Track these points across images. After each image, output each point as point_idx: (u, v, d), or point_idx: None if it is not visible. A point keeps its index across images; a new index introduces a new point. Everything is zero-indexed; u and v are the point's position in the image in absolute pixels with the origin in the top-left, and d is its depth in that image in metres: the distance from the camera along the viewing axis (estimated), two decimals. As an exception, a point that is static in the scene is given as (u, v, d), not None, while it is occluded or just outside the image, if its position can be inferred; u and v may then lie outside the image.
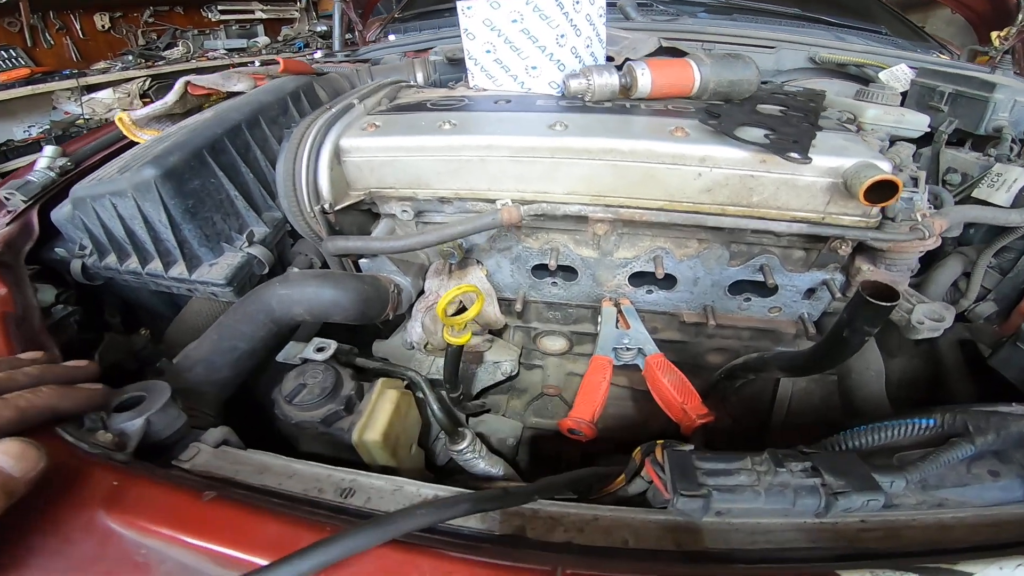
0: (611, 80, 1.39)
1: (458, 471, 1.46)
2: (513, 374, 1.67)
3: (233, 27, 7.08)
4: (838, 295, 1.32)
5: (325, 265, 1.61)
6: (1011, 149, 1.60)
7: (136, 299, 1.71)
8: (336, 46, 3.15)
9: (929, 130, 1.56)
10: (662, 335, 1.60)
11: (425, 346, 1.54)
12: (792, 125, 1.22)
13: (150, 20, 6.61)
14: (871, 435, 0.95)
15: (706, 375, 1.62)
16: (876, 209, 1.19)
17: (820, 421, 1.57)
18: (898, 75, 1.93)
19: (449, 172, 1.25)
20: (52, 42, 5.74)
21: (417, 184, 1.29)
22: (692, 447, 0.84)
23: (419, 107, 1.46)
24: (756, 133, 1.16)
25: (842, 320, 0.95)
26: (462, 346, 1.13)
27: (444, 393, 1.35)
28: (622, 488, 0.93)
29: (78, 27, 5.99)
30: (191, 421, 0.93)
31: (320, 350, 1.15)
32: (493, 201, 1.24)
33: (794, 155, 1.13)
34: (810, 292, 1.41)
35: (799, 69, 2.31)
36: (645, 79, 1.38)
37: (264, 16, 7.33)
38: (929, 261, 1.60)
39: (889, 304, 0.83)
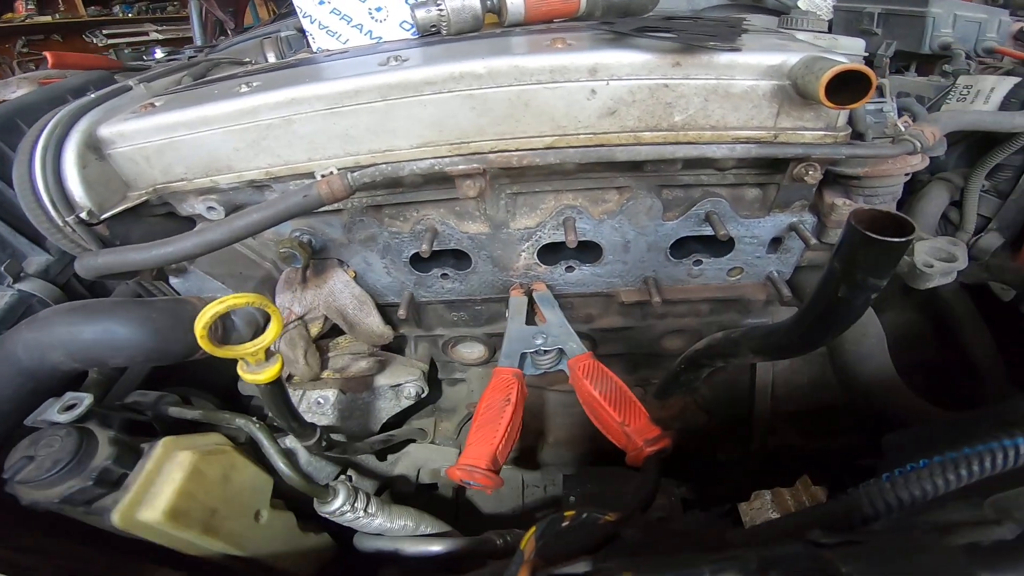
0: (470, 3, 1.07)
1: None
2: (422, 395, 1.34)
3: (125, 51, 6.49)
4: (813, 241, 1.01)
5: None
6: (967, 64, 1.46)
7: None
8: (197, 41, 2.79)
9: (867, 55, 1.43)
10: (600, 323, 1.28)
11: (289, 379, 1.21)
12: (708, 27, 0.90)
13: (24, 50, 6.07)
14: (936, 479, 0.51)
15: (668, 366, 1.30)
16: (843, 119, 0.93)
17: (815, 407, 1.25)
18: (817, 2, 1.76)
19: (250, 145, 0.94)
20: (-91, 78, 5.27)
21: (214, 169, 0.98)
22: (585, 563, 0.48)
23: (227, 79, 1.13)
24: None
25: (832, 273, 0.64)
26: (275, 382, 0.80)
27: (298, 442, 1.02)
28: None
29: (-62, 61, 5.51)
30: None
31: (68, 408, 0.88)
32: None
33: (715, 43, 0.82)
34: (776, 243, 1.11)
35: (713, 7, 1.99)
36: (515, -4, 1.07)
37: (160, 37, 6.85)
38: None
39: (903, 239, 0.55)
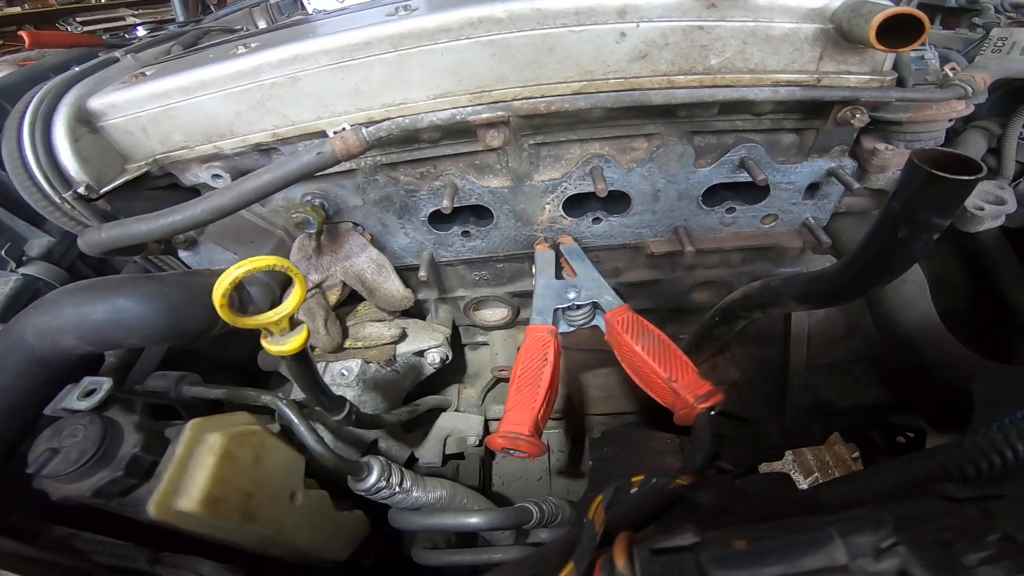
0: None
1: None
2: (447, 361, 1.31)
3: (103, 37, 6.21)
4: (856, 186, 0.97)
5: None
6: (997, 18, 1.42)
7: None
8: (179, 18, 2.64)
9: None
10: (627, 277, 1.25)
11: (311, 350, 1.18)
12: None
13: (-1, 43, 5.85)
14: None
15: (697, 320, 1.27)
16: (889, 63, 0.91)
17: (855, 359, 1.22)
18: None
19: (253, 107, 0.91)
20: None
21: (216, 134, 0.95)
22: (693, 534, 0.40)
23: (221, 43, 1.07)
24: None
25: (891, 214, 0.61)
26: (301, 353, 0.76)
27: (329, 416, 0.99)
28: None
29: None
30: None
31: (88, 394, 0.82)
32: (332, 134, 0.87)
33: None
34: (812, 189, 1.07)
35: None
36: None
37: (138, 21, 6.57)
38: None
39: (973, 177, 0.53)
